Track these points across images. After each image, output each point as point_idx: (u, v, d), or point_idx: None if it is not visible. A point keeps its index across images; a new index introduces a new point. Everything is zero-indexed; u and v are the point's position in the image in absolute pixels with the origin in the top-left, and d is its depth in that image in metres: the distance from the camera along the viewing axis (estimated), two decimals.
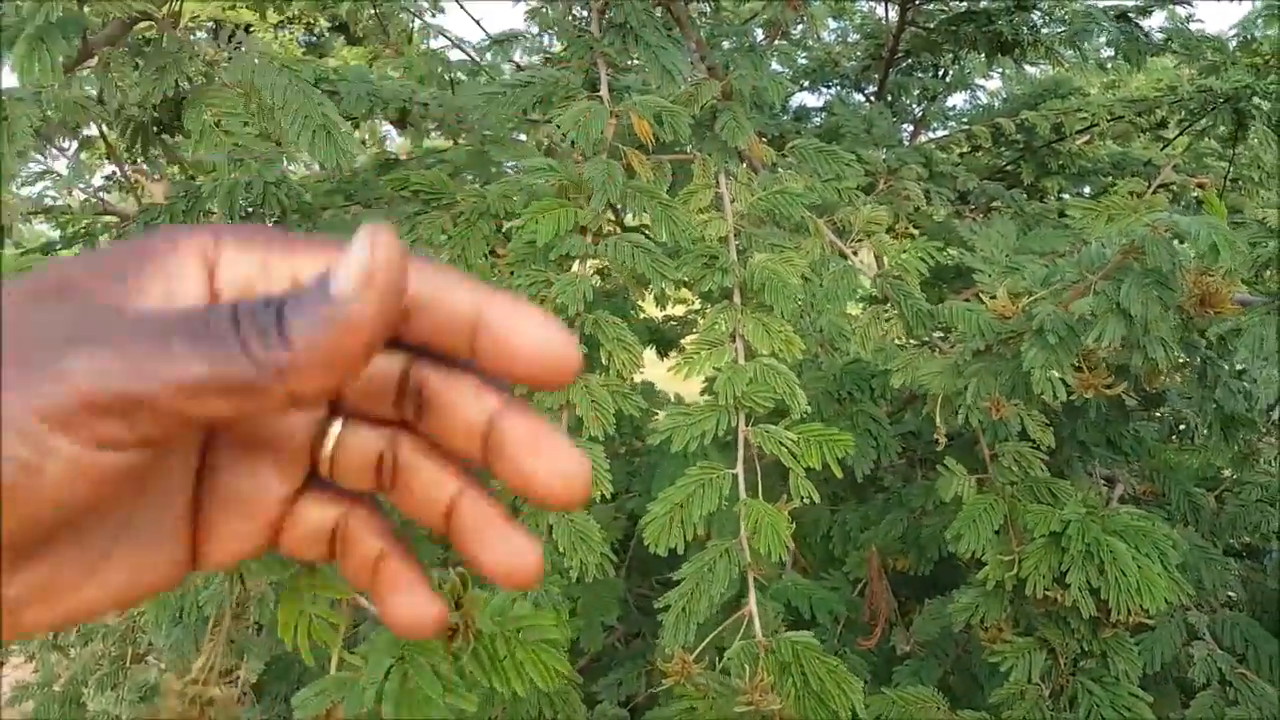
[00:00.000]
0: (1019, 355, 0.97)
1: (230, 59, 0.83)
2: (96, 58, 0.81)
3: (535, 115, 2.00)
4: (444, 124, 2.05)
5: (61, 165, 2.49)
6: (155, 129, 0.99)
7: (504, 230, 1.10)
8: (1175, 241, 0.84)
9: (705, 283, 1.00)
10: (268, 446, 0.29)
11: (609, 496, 0.96)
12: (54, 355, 0.23)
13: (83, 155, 2.59)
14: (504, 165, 2.37)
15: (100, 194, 2.47)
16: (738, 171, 1.16)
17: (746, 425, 0.93)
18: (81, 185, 2.44)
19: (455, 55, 2.25)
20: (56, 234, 2.38)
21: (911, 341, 1.12)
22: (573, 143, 1.06)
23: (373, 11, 2.29)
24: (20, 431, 0.23)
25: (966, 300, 1.79)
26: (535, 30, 1.31)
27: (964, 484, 1.12)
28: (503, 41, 1.53)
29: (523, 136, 2.40)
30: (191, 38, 0.83)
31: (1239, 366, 0.89)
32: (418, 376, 0.29)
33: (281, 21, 7.04)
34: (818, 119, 2.60)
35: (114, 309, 0.25)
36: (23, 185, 2.53)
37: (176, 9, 0.94)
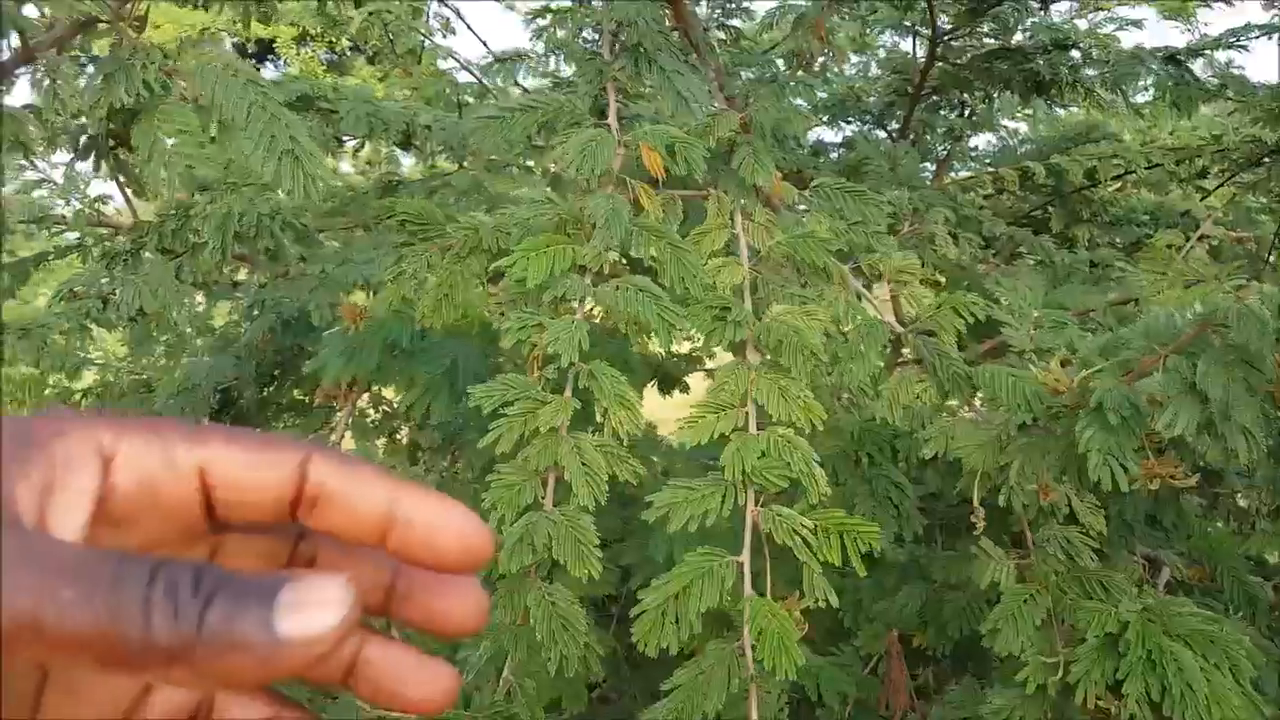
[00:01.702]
0: (1072, 433, 0.85)
1: (193, 70, 0.73)
2: (39, 62, 0.71)
3: (540, 141, 1.90)
4: (448, 148, 1.95)
5: (59, 175, 2.41)
6: (110, 143, 0.89)
7: (494, 267, 0.99)
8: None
9: (715, 337, 0.88)
10: None
11: (596, 577, 0.84)
12: None
13: (78, 166, 2.51)
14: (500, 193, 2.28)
15: (97, 205, 2.38)
16: (756, 211, 1.05)
17: (756, 506, 0.81)
18: (76, 196, 2.36)
19: (464, 78, 2.16)
20: (50, 246, 2.29)
21: (954, 407, 1.00)
22: (577, 171, 0.95)
23: (382, 30, 2.21)
24: None
25: (991, 352, 1.67)
26: (540, 50, 1.23)
27: (1002, 570, 1.00)
28: (506, 61, 1.44)
29: (531, 163, 2.31)
30: (148, 43, 0.73)
31: None
32: (306, 550, 0.30)
33: (302, 38, 7.03)
34: (835, 154, 2.51)
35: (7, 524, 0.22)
36: (19, 192, 2.44)
37: (141, 12, 0.83)
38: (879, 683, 1.50)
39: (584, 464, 0.84)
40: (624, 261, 1.11)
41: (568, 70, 1.53)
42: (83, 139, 0.88)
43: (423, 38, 2.20)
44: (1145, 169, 2.40)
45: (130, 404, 2.48)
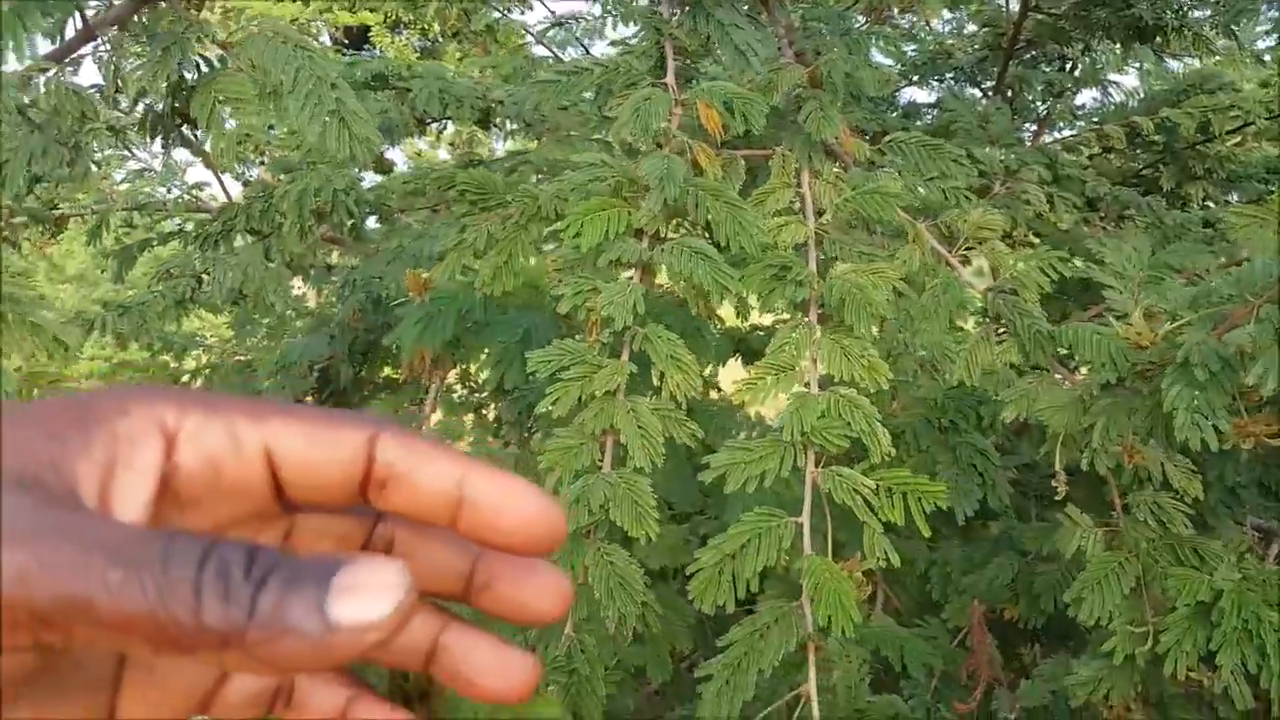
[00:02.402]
0: (1158, 391, 0.80)
1: (243, 39, 0.75)
2: (101, 40, 0.74)
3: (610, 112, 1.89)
4: (525, 123, 1.96)
5: (159, 163, 2.53)
6: (176, 120, 0.93)
7: (549, 231, 0.99)
8: None
9: (774, 297, 0.86)
10: None
11: (652, 538, 0.83)
12: None
13: (174, 155, 2.63)
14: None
15: (194, 190, 2.49)
16: (824, 169, 1.02)
17: (816, 467, 0.79)
18: (176, 182, 2.47)
19: (541, 53, 2.17)
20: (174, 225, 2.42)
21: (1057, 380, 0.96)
22: (630, 133, 0.94)
23: (459, 9, 2.23)
24: None
25: (1095, 318, 1.59)
26: (598, 11, 1.21)
27: (1089, 538, 0.95)
28: (564, 24, 1.43)
29: (609, 137, 2.30)
30: (204, 17, 0.75)
31: None
32: (384, 533, 0.29)
33: (395, 25, 7.20)
34: (929, 116, 2.41)
35: (56, 502, 0.23)
36: (122, 182, 2.58)
37: None
38: (967, 655, 1.45)
39: (640, 426, 0.84)
40: (708, 233, 1.08)
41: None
42: (149, 116, 0.91)
43: (498, 14, 2.22)
44: (1265, 120, 2.23)
45: (234, 383, 2.60)
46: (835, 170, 1.04)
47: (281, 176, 1.53)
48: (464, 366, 2.47)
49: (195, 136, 0.95)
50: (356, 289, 2.14)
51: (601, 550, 0.83)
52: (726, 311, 1.92)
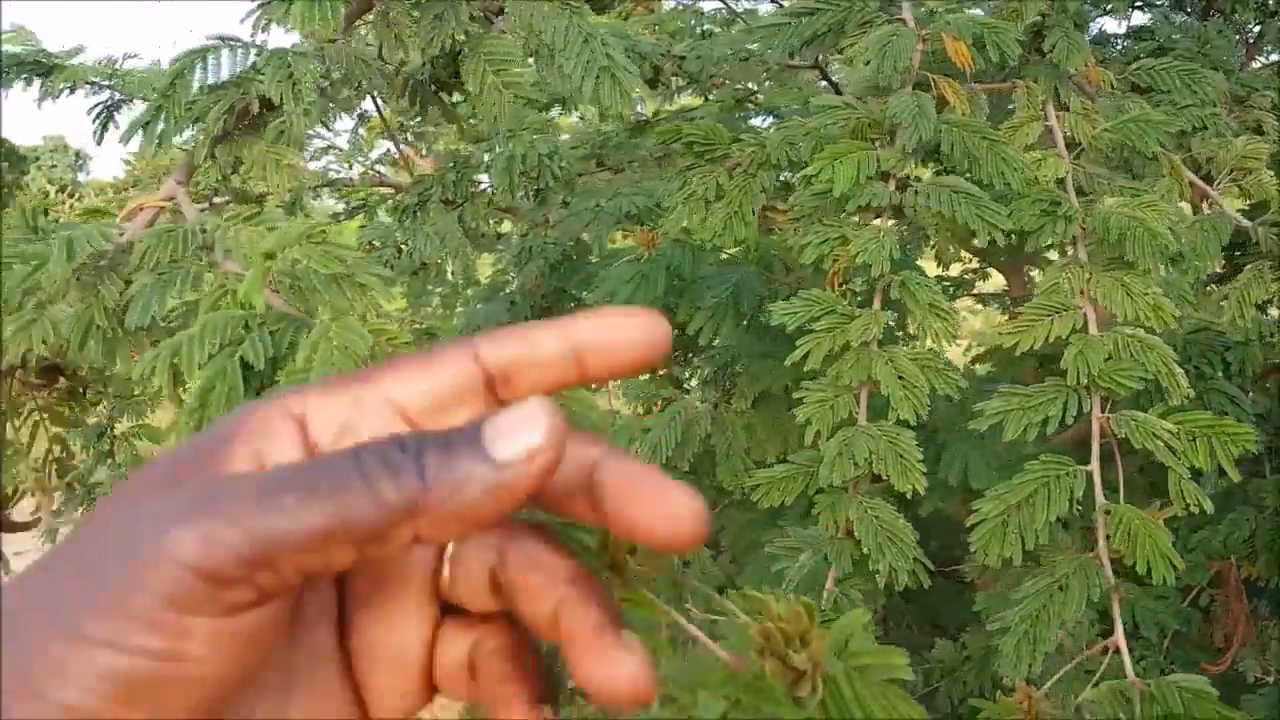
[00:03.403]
0: None
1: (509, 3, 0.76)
2: (375, 10, 0.77)
3: (796, 60, 1.84)
4: (696, 79, 1.94)
5: (343, 141, 2.65)
6: (433, 87, 0.95)
7: (784, 182, 0.97)
8: None
9: (1044, 234, 0.81)
10: (396, 591, 0.28)
11: (920, 492, 0.81)
12: (157, 539, 0.22)
13: (361, 131, 2.75)
14: (753, 120, 2.23)
15: (377, 167, 2.59)
16: (1072, 100, 0.96)
17: (1103, 412, 0.75)
18: (360, 160, 2.58)
19: (709, 6, 2.13)
20: (341, 206, 2.54)
21: None
22: (876, 70, 0.91)
23: None
24: (149, 624, 0.22)
25: None
26: None
27: None
28: None
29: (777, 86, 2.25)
30: None
31: None
32: None
33: None
34: (1119, 46, 2.25)
35: (214, 480, 0.24)
36: (310, 159, 2.71)
37: None
38: (1199, 615, 1.37)
39: (900, 377, 0.81)
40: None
41: None
42: (408, 84, 0.95)
43: None
44: None
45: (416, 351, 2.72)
46: (1083, 101, 0.98)
47: (473, 147, 1.56)
48: None
49: (441, 101, 0.98)
50: (535, 255, 2.18)
51: (865, 504, 0.81)
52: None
